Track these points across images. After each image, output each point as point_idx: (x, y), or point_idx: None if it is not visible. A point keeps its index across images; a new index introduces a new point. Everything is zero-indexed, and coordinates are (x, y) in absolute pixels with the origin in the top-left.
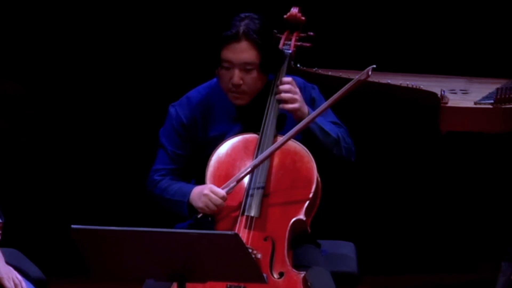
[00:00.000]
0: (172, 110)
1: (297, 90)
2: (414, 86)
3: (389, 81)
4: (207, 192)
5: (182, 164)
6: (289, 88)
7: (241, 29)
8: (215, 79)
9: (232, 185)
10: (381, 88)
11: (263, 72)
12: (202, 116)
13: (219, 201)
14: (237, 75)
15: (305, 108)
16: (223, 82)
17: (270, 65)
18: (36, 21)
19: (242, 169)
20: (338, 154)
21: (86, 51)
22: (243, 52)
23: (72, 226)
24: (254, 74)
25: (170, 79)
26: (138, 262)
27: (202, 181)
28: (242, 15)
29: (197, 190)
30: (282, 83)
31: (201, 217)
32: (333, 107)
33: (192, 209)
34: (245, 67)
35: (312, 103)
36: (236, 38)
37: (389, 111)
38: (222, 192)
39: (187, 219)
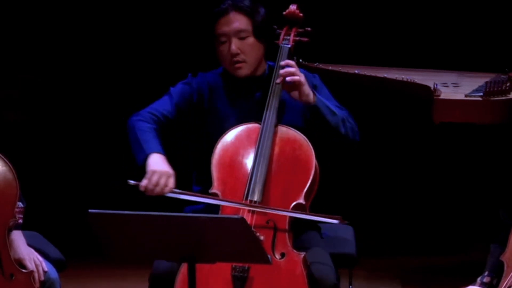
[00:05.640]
0: (188, 76)
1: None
2: (409, 80)
3: (385, 75)
4: (168, 172)
5: (176, 120)
6: (293, 63)
7: (228, 3)
8: (221, 68)
9: (182, 196)
10: (378, 82)
11: (258, 38)
12: (210, 91)
13: (166, 187)
14: (234, 44)
15: (309, 89)
16: (223, 57)
17: (263, 29)
18: (52, 17)
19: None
20: (344, 132)
21: (98, 42)
22: (233, 21)
23: (89, 210)
24: (249, 41)
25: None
26: (150, 245)
27: (202, 175)
28: None
29: (160, 159)
30: (286, 64)
31: (133, 184)
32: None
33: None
34: (239, 36)
35: (315, 90)
36: (225, 12)
37: (385, 103)
38: (171, 186)
39: (196, 202)
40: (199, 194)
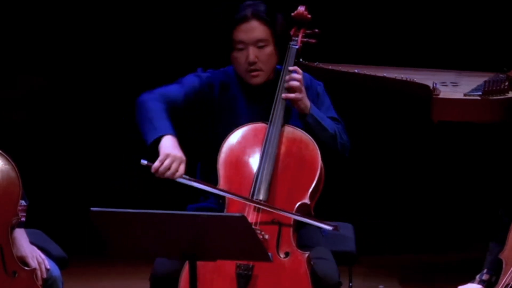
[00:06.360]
0: (198, 70)
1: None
2: (408, 79)
3: (385, 74)
4: (181, 157)
5: (183, 109)
6: (299, 77)
7: (249, 10)
8: (231, 67)
9: (191, 183)
10: (377, 81)
11: (276, 47)
12: (221, 87)
13: (176, 172)
14: (252, 53)
15: (308, 102)
16: (238, 64)
17: (282, 40)
18: (54, 18)
19: (251, 159)
20: (333, 148)
21: (99, 42)
22: (254, 30)
23: (91, 208)
24: (268, 50)
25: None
26: (152, 242)
27: (208, 165)
28: (248, 2)
29: (173, 142)
30: (292, 73)
31: (145, 165)
32: (332, 98)
33: (154, 146)
34: (258, 45)
35: (317, 98)
36: (246, 19)
37: (385, 102)
38: (181, 172)
39: (198, 200)
40: (207, 184)
